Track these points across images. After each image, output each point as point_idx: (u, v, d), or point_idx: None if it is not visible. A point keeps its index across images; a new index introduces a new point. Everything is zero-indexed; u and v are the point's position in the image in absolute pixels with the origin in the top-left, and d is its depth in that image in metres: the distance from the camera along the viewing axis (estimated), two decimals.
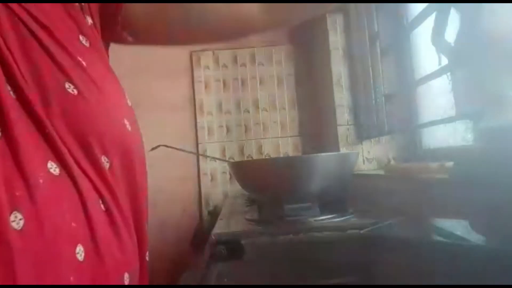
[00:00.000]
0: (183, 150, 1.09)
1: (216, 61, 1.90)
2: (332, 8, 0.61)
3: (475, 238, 0.53)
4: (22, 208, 0.33)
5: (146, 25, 0.57)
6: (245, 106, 1.89)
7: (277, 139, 1.88)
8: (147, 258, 0.49)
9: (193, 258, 1.62)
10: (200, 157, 1.86)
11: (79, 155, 0.40)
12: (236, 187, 1.70)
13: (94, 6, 0.49)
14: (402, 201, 0.85)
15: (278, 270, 0.56)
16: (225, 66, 1.90)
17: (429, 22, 0.82)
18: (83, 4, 0.47)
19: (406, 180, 0.88)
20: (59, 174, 0.37)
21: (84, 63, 0.43)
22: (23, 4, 0.40)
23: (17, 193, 0.33)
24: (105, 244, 0.39)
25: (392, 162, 1.33)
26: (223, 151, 1.86)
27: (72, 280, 0.35)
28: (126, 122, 0.46)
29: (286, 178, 0.78)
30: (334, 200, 0.83)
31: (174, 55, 1.89)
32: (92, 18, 0.48)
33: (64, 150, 0.38)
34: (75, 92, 0.40)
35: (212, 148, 1.86)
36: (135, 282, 0.44)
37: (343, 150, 1.42)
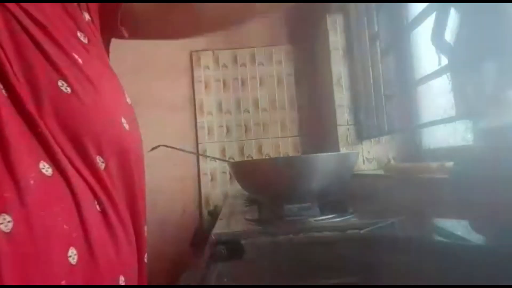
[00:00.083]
0: (183, 150, 1.09)
1: (216, 61, 1.90)
2: None
3: (475, 238, 0.53)
4: (11, 210, 0.32)
5: (146, 21, 0.56)
6: (245, 106, 1.89)
7: (277, 139, 1.88)
8: (145, 260, 0.48)
9: (193, 258, 1.62)
10: (200, 157, 1.86)
11: (73, 155, 0.39)
12: (236, 187, 1.70)
13: (93, 3, 0.49)
14: (402, 201, 0.85)
15: (278, 270, 0.56)
16: (225, 66, 1.90)
17: (429, 22, 0.82)
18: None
19: (406, 180, 0.88)
20: (52, 174, 0.36)
21: (80, 60, 0.42)
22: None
23: (6, 195, 0.32)
24: (99, 246, 0.38)
25: (392, 162, 1.33)
26: (223, 151, 1.86)
27: (64, 284, 0.34)
28: (123, 121, 0.45)
29: (286, 178, 0.78)
30: (334, 200, 0.83)
31: (174, 55, 1.89)
32: (90, 15, 0.48)
33: (57, 149, 0.37)
34: (69, 90, 0.39)
35: (212, 148, 1.86)
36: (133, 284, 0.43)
37: (343, 150, 1.42)
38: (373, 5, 1.30)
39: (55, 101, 0.38)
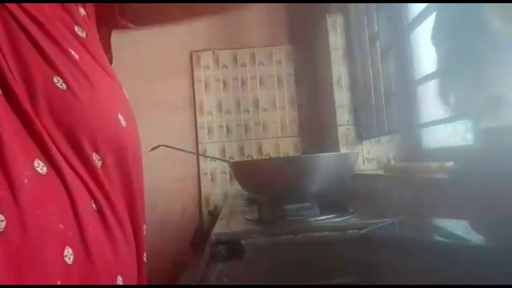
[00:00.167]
0: (183, 150, 1.09)
1: (216, 61, 1.90)
2: None
3: (475, 238, 0.53)
4: (4, 209, 0.31)
5: (145, 11, 0.56)
6: (245, 106, 1.89)
7: (277, 139, 1.88)
8: (144, 259, 0.47)
9: (193, 258, 1.62)
10: (200, 157, 1.86)
11: (69, 152, 0.38)
12: (236, 187, 1.70)
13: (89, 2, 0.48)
14: (402, 201, 0.85)
15: (278, 270, 0.56)
16: (225, 66, 1.90)
17: (429, 22, 0.82)
18: None
19: (406, 180, 0.88)
20: (47, 173, 0.35)
21: (77, 56, 0.41)
22: None
23: None
24: (96, 246, 0.37)
25: (392, 162, 1.33)
26: (223, 151, 1.86)
27: (59, 284, 0.33)
28: (120, 117, 0.44)
29: (286, 178, 0.78)
30: (334, 200, 0.83)
31: (174, 55, 1.89)
32: (85, 9, 0.47)
33: (53, 147, 0.36)
34: (64, 86, 0.39)
35: (212, 148, 1.86)
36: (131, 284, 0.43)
37: (343, 150, 1.42)
38: (373, 5, 1.30)
39: (50, 97, 0.38)
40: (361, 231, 0.56)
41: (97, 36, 0.49)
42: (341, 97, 1.46)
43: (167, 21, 0.64)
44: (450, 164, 0.72)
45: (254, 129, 1.88)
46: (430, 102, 1.10)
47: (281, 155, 1.83)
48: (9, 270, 0.30)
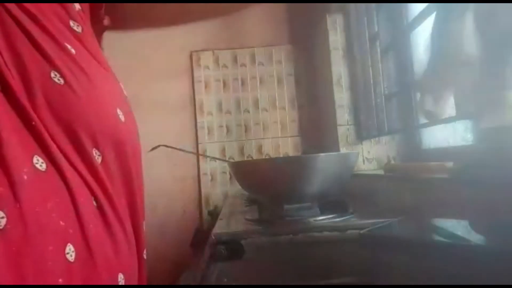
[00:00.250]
0: (183, 150, 1.09)
1: (216, 61, 1.90)
2: None
3: (475, 238, 0.53)
4: (4, 206, 0.31)
5: (132, 12, 0.56)
6: (245, 106, 1.89)
7: (277, 139, 1.88)
8: (144, 257, 0.47)
9: (193, 258, 1.62)
10: (200, 157, 1.86)
11: (68, 148, 0.38)
12: (236, 187, 1.70)
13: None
14: (402, 201, 0.85)
15: (278, 270, 0.56)
16: (225, 66, 1.90)
17: (429, 22, 0.82)
18: None
19: (406, 180, 0.88)
20: (46, 169, 0.35)
21: (73, 51, 0.41)
22: None
23: None
24: (97, 244, 0.37)
25: (392, 162, 1.33)
26: (223, 151, 1.86)
27: (61, 282, 0.33)
28: (119, 112, 0.44)
29: (286, 178, 0.78)
30: (334, 200, 0.83)
31: (174, 55, 1.89)
32: (80, 4, 0.47)
33: (51, 143, 0.36)
34: (62, 81, 0.38)
35: (212, 148, 1.86)
36: (133, 282, 0.43)
37: (343, 150, 1.42)
38: (373, 5, 1.30)
39: (48, 92, 0.37)
40: (361, 231, 0.56)
41: (92, 31, 0.48)
42: (341, 97, 1.46)
43: (154, 25, 0.64)
44: (450, 164, 0.72)
45: (254, 129, 1.88)
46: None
47: (281, 155, 1.83)
48: (10, 268, 0.30)
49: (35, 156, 0.35)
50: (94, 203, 0.38)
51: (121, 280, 0.40)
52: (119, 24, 0.55)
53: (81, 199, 0.36)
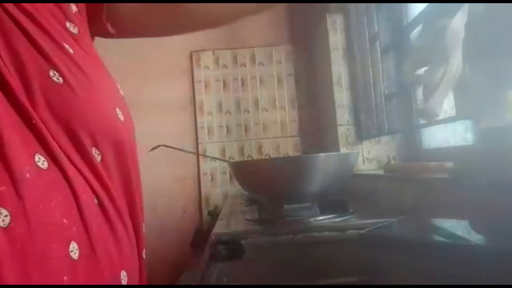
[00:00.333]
0: (183, 150, 1.08)
1: (216, 61, 1.90)
2: None
3: (475, 238, 0.53)
4: (7, 204, 0.31)
5: (133, 19, 0.56)
6: (245, 106, 1.89)
7: (277, 139, 1.88)
8: (144, 256, 0.47)
9: (193, 258, 1.62)
10: (200, 157, 1.86)
11: (68, 147, 0.38)
12: (236, 187, 1.70)
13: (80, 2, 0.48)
14: (402, 201, 0.85)
15: (278, 270, 0.56)
16: (225, 66, 1.90)
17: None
18: None
19: (406, 180, 0.88)
20: (48, 167, 0.35)
21: (71, 50, 0.41)
22: None
23: (1, 188, 0.31)
24: (100, 241, 0.37)
25: (392, 162, 1.33)
26: (223, 151, 1.87)
27: (65, 280, 0.33)
28: (118, 111, 0.44)
29: (286, 178, 0.78)
30: (334, 200, 0.83)
31: (174, 55, 1.89)
32: (77, 6, 0.47)
33: (52, 142, 0.36)
34: (61, 80, 0.38)
35: (212, 148, 1.86)
36: (134, 282, 0.43)
37: (343, 150, 1.42)
38: (373, 5, 1.30)
39: (47, 91, 0.37)
40: (361, 231, 0.56)
41: (88, 33, 0.48)
42: (341, 97, 1.46)
43: (154, 35, 0.64)
44: (450, 164, 0.72)
45: (254, 129, 1.88)
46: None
47: (281, 155, 1.83)
48: (15, 266, 0.30)
49: (37, 154, 0.34)
50: (96, 201, 0.38)
51: (123, 277, 0.40)
52: (119, 32, 0.55)
53: (83, 197, 0.36)
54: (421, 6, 0.96)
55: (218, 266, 0.58)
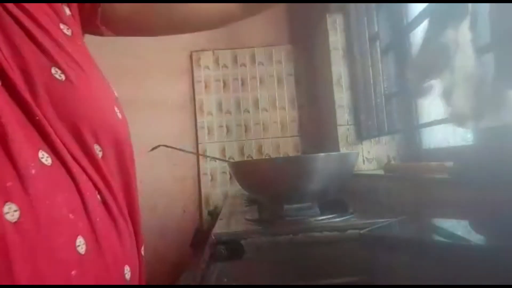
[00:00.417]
0: (183, 150, 1.09)
1: (216, 61, 1.90)
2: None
3: (475, 238, 0.53)
4: (15, 199, 0.31)
5: (127, 20, 0.56)
6: (245, 106, 1.89)
7: (277, 139, 1.88)
8: (142, 253, 0.47)
9: (193, 258, 1.62)
10: (200, 157, 1.86)
11: (72, 144, 0.38)
12: (236, 187, 1.70)
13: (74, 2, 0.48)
14: (402, 201, 0.85)
15: (278, 270, 0.56)
16: (225, 66, 1.90)
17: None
18: None
19: (406, 180, 0.88)
20: (52, 164, 0.35)
21: (69, 48, 0.41)
22: None
23: (8, 184, 0.31)
24: (105, 237, 0.37)
25: (392, 162, 1.33)
26: (223, 151, 1.87)
27: (74, 274, 0.33)
28: (116, 110, 0.44)
29: (286, 178, 0.78)
30: (334, 200, 0.83)
31: (174, 55, 1.89)
32: (70, 9, 0.47)
33: (56, 138, 0.36)
34: (63, 77, 0.38)
35: (212, 148, 1.86)
36: (135, 277, 0.43)
37: (343, 150, 1.42)
38: (373, 5, 1.30)
39: (50, 88, 0.37)
40: (361, 231, 0.56)
41: (81, 34, 0.48)
42: (341, 97, 1.46)
43: (147, 35, 0.65)
44: (450, 164, 0.72)
45: (254, 129, 1.88)
46: (430, 102, 1.10)
47: (281, 155, 1.83)
48: (26, 261, 0.30)
49: (40, 151, 0.35)
50: (98, 197, 0.39)
51: (127, 272, 0.40)
52: (113, 32, 0.56)
53: (87, 194, 0.37)
54: (421, 6, 0.96)
55: (218, 266, 0.58)
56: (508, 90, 0.50)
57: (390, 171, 1.05)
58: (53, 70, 0.38)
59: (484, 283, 0.36)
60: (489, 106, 0.50)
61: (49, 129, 0.36)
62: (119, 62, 1.74)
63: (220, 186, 1.85)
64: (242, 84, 1.90)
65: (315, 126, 1.83)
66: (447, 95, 0.49)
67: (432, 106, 1.09)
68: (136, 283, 0.43)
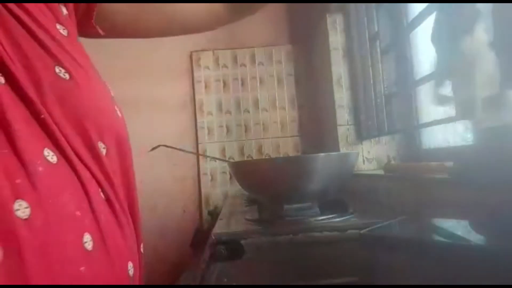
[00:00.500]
0: (183, 150, 1.09)
1: (216, 61, 1.90)
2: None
3: (475, 238, 0.53)
4: (25, 196, 0.31)
5: (121, 21, 0.56)
6: (245, 106, 1.89)
7: (277, 139, 1.88)
8: (141, 250, 0.48)
9: (193, 258, 1.62)
10: (200, 157, 1.86)
11: (76, 142, 0.38)
12: (236, 187, 1.70)
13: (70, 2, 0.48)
14: (402, 201, 0.85)
15: (278, 270, 0.56)
16: (225, 66, 1.90)
17: (429, 22, 0.82)
18: None
19: (406, 180, 0.88)
20: (57, 162, 0.35)
21: (67, 48, 0.42)
22: None
23: (17, 181, 0.31)
24: (109, 233, 0.38)
25: (392, 162, 1.33)
26: (223, 151, 1.87)
27: (83, 270, 0.33)
28: (116, 108, 0.45)
29: (286, 178, 0.78)
30: (334, 200, 0.83)
31: (174, 55, 1.90)
32: (67, 9, 0.47)
33: (60, 136, 0.37)
34: (67, 76, 0.39)
35: (212, 148, 1.86)
36: (137, 274, 0.43)
37: (343, 150, 1.42)
38: (373, 5, 1.30)
39: (55, 87, 0.38)
40: (361, 231, 0.56)
41: (77, 34, 0.48)
42: (341, 97, 1.46)
43: (141, 36, 0.65)
44: (450, 164, 0.72)
45: (254, 129, 1.88)
46: (430, 102, 1.10)
47: (281, 155, 1.83)
48: (38, 258, 0.31)
49: (46, 148, 0.35)
50: (102, 194, 0.39)
51: (130, 268, 0.41)
52: (107, 33, 0.56)
53: (91, 191, 0.38)
54: (421, 6, 0.96)
55: (218, 266, 0.58)
56: (508, 90, 0.50)
57: (390, 171, 1.05)
58: (57, 69, 0.39)
59: (484, 283, 0.36)
60: (491, 104, 0.50)
61: (54, 128, 0.36)
62: (119, 63, 1.74)
63: (220, 186, 1.86)
64: (242, 84, 1.90)
65: (315, 126, 1.83)
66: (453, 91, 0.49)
67: (432, 106, 1.09)
68: (137, 280, 0.43)
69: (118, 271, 0.39)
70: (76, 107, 0.39)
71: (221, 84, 1.90)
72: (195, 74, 1.90)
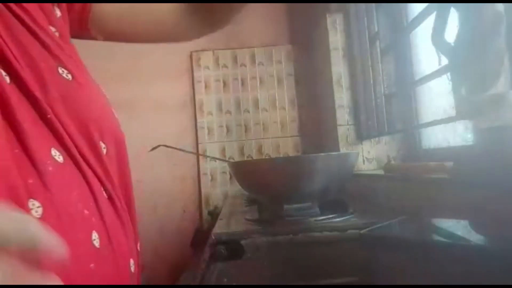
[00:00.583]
0: (183, 150, 1.08)
1: (216, 61, 1.90)
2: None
3: (475, 238, 0.53)
4: (37, 196, 0.32)
5: (114, 24, 0.56)
6: (245, 106, 1.89)
7: (277, 139, 1.88)
8: (138, 249, 0.48)
9: (193, 258, 1.62)
10: (200, 157, 1.86)
11: (80, 141, 0.39)
12: (236, 187, 1.70)
13: (64, 2, 0.48)
14: (402, 201, 0.85)
15: (278, 270, 0.56)
16: (225, 66, 1.90)
17: (429, 22, 0.82)
18: None
19: (406, 180, 0.88)
20: (64, 161, 0.36)
21: (65, 49, 0.42)
22: None
23: (29, 181, 0.32)
24: (113, 231, 0.39)
25: (392, 162, 1.33)
26: (223, 151, 1.87)
27: (92, 267, 0.34)
28: (112, 110, 0.46)
29: (286, 178, 0.78)
30: (334, 200, 0.83)
31: (174, 55, 1.89)
32: (61, 11, 0.47)
33: (66, 136, 0.37)
34: (69, 77, 0.39)
35: (212, 148, 1.86)
36: (136, 271, 0.44)
37: (343, 150, 1.42)
38: (373, 5, 1.30)
39: (59, 87, 0.38)
40: (361, 231, 0.56)
41: (69, 37, 0.48)
42: (341, 97, 1.46)
43: (135, 39, 0.65)
44: (450, 164, 0.72)
45: (254, 129, 1.88)
46: (430, 102, 1.10)
47: (281, 155, 1.83)
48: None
49: (52, 148, 0.36)
50: (104, 193, 0.40)
51: (132, 265, 0.41)
52: (101, 35, 0.56)
53: (96, 190, 0.38)
54: (421, 6, 0.96)
55: (218, 266, 0.58)
56: (508, 90, 0.50)
57: (390, 171, 1.05)
58: (60, 70, 0.39)
59: (484, 283, 0.36)
60: (489, 106, 0.50)
61: (60, 127, 0.37)
62: (119, 63, 1.74)
63: (220, 186, 1.85)
64: (242, 84, 1.90)
65: (315, 126, 1.83)
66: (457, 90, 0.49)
67: (432, 106, 1.09)
68: (136, 277, 0.44)
69: (121, 268, 0.39)
70: (79, 107, 0.40)
71: (221, 84, 1.90)
72: (195, 74, 1.90)
